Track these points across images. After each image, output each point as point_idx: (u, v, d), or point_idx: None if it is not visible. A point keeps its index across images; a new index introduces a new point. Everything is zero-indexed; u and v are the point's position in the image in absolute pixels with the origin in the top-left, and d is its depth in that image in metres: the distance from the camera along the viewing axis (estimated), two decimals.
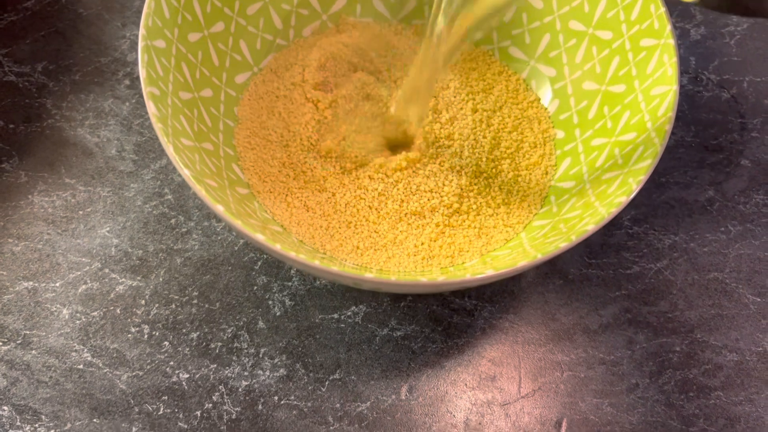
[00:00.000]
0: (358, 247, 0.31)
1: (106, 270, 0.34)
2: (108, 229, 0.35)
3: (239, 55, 0.34)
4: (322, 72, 0.34)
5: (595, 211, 0.27)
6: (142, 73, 0.27)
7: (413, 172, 0.32)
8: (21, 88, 0.38)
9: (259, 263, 0.34)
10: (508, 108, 0.34)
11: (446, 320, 0.33)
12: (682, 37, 0.42)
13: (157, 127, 0.26)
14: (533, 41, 0.36)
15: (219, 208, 0.25)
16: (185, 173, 0.25)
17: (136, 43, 0.39)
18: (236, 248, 0.34)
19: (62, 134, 0.37)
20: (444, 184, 0.31)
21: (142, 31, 0.28)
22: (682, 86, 0.40)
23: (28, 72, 0.38)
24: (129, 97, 0.38)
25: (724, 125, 0.39)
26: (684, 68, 0.41)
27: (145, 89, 0.26)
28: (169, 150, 0.25)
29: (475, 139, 0.33)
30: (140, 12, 0.41)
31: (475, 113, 0.34)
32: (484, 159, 0.32)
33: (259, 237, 0.24)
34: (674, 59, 0.29)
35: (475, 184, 0.32)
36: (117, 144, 0.37)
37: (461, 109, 0.33)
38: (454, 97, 0.34)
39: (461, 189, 0.31)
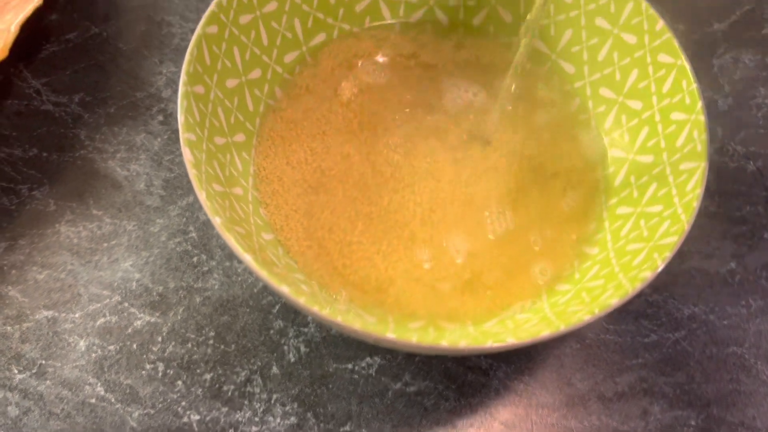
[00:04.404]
0: (380, 301, 0.31)
1: (126, 304, 0.34)
2: (131, 263, 0.35)
3: (273, 100, 0.35)
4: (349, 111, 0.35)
5: (619, 284, 0.27)
6: (180, 119, 0.27)
7: (438, 220, 0.33)
8: (57, 118, 0.39)
9: (277, 307, 0.34)
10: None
11: (461, 378, 0.33)
12: (709, 106, 0.42)
13: (192, 173, 0.26)
14: (565, 109, 0.36)
15: (247, 258, 0.25)
16: (216, 222, 0.25)
17: (172, 80, 0.40)
18: (255, 290, 0.35)
19: (93, 165, 0.37)
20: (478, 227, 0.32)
21: (183, 77, 0.28)
22: None
23: (65, 102, 0.39)
24: (161, 132, 0.39)
25: (749, 197, 0.39)
26: (710, 138, 0.41)
27: (183, 135, 0.27)
28: (202, 197, 0.26)
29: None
30: (178, 50, 0.42)
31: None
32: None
33: (284, 289, 0.24)
34: (704, 136, 0.29)
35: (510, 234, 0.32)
36: (146, 178, 0.37)
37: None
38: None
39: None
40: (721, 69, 0.44)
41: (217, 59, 0.31)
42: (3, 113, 0.39)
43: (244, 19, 0.32)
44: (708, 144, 0.29)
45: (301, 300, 0.24)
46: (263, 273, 0.25)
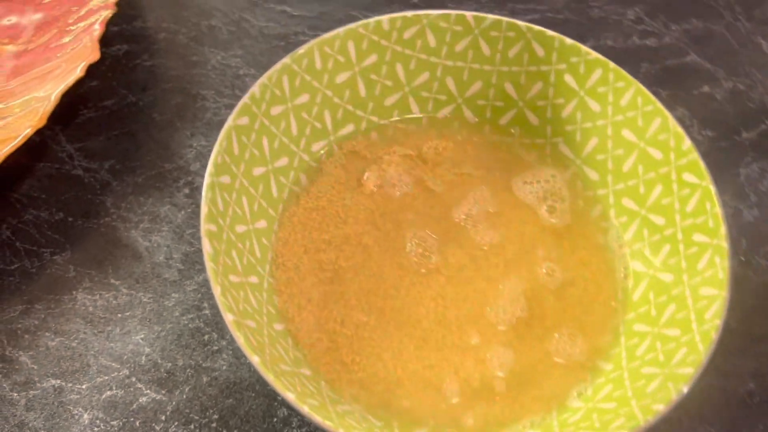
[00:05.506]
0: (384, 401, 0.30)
1: (133, 379, 0.34)
2: (142, 336, 0.35)
3: (297, 186, 0.35)
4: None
5: (630, 412, 0.26)
6: (203, 209, 0.28)
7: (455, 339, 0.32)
8: (86, 184, 0.39)
9: None
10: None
11: None
12: (734, 216, 0.42)
13: (209, 266, 0.26)
14: (585, 215, 0.36)
15: (255, 359, 0.25)
16: (228, 318, 0.25)
17: (201, 153, 0.41)
18: None
19: (116, 234, 0.38)
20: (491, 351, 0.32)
21: (210, 169, 0.29)
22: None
23: (95, 168, 0.40)
24: (185, 206, 0.39)
25: None
26: (734, 250, 0.40)
27: (204, 226, 0.27)
28: (217, 291, 0.26)
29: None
30: (210, 124, 0.42)
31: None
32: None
33: (290, 396, 0.24)
34: (726, 263, 0.29)
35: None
36: (166, 251, 0.38)
37: None
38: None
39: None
40: (747, 178, 0.44)
41: (245, 149, 0.31)
42: (35, 175, 0.40)
43: (276, 110, 0.33)
44: (730, 272, 0.29)
45: (305, 408, 0.24)
46: (270, 377, 0.25)
